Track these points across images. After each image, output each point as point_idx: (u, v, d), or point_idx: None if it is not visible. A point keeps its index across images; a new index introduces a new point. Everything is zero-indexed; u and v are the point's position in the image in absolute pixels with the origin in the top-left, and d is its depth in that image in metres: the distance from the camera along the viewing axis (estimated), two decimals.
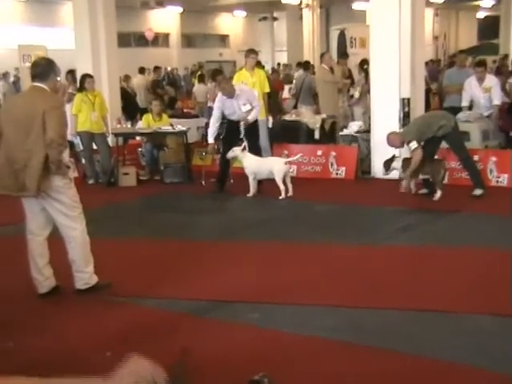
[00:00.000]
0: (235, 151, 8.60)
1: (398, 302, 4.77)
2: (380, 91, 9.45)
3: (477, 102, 9.81)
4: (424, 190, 8.24)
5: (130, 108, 13.83)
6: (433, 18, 29.27)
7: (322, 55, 12.59)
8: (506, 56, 17.95)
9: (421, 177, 8.16)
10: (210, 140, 8.81)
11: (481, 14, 32.64)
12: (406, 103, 9.20)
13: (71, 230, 4.92)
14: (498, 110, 9.81)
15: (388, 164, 8.31)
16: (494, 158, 8.72)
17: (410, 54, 9.20)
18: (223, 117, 8.82)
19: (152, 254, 6.19)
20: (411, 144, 7.78)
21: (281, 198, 8.36)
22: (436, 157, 8.36)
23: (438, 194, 7.92)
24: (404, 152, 8.45)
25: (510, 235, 6.44)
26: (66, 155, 4.83)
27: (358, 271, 5.49)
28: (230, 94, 8.55)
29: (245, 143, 8.65)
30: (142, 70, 17.39)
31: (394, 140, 8.05)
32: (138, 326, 4.48)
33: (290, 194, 8.44)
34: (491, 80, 9.78)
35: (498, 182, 8.64)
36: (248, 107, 8.61)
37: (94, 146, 10.08)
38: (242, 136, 8.65)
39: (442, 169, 8.05)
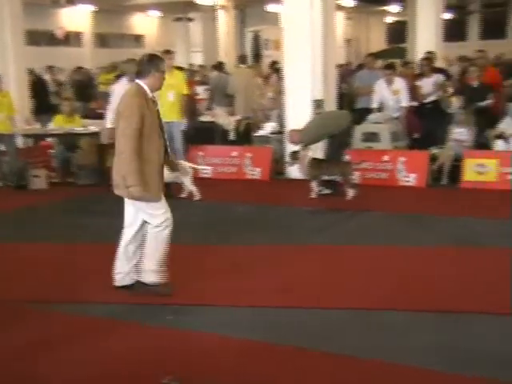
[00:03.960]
0: None
1: (312, 301, 4.85)
2: (293, 92, 9.60)
3: (386, 104, 10.13)
4: (327, 191, 8.43)
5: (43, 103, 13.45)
6: (344, 21, 29.94)
7: (243, 57, 12.72)
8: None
9: (326, 177, 8.34)
10: (109, 125, 8.60)
11: (389, 19, 33.68)
12: (318, 104, 9.39)
13: None
14: (406, 112, 10.17)
15: (295, 155, 8.42)
16: (402, 159, 9.03)
17: (322, 56, 9.40)
18: None
19: (66, 258, 6.05)
20: (300, 146, 8.11)
21: (196, 199, 8.37)
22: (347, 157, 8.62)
23: (351, 193, 8.12)
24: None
25: (418, 233, 6.69)
26: None
27: (275, 271, 5.55)
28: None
29: None
30: (50, 69, 16.93)
31: (293, 136, 8.29)
32: (51, 333, 4.38)
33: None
34: (399, 83, 10.13)
35: (406, 181, 8.96)
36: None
37: (2, 148, 9.77)
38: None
39: (351, 169, 8.26)
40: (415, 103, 10.65)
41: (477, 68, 10.31)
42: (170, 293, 4.92)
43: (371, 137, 9.63)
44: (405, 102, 10.06)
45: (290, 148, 9.24)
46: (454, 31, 26.53)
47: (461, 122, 9.29)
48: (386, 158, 9.11)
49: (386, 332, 4.27)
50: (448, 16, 26.11)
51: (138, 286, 5.01)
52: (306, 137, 8.07)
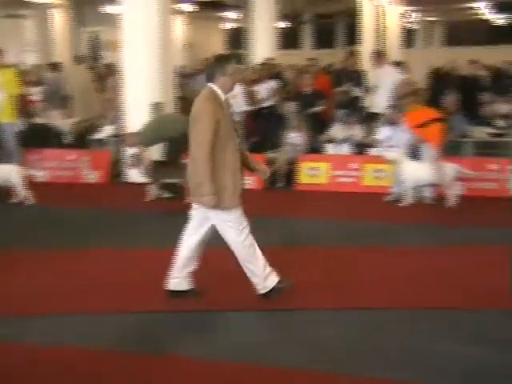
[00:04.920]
0: None
1: (150, 304, 4.86)
2: (132, 95, 9.48)
3: None
4: (168, 194, 8.44)
5: None
6: (184, 26, 30.09)
7: (80, 57, 12.37)
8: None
9: (167, 180, 8.33)
10: None
11: (228, 25, 34.35)
12: (157, 107, 9.35)
13: None
14: (244, 117, 10.42)
15: (134, 158, 8.26)
16: None
17: (159, 59, 9.37)
18: None
19: None
20: (138, 148, 8.01)
21: (28, 203, 8.03)
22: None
23: None
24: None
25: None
26: None
27: (109, 274, 5.45)
28: None
29: None
30: None
31: (130, 139, 8.15)
32: None
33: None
34: (236, 87, 10.33)
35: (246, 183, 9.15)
36: None
37: None
38: None
39: None
40: (252, 107, 10.95)
41: (309, 75, 10.81)
42: (291, 285, 4.90)
43: None
44: (242, 106, 10.30)
45: (129, 151, 9.15)
46: (289, 40, 27.69)
47: (295, 127, 9.70)
48: None
49: (232, 332, 4.38)
50: (283, 25, 27.18)
51: (192, 293, 4.90)
52: (143, 139, 8.01)
